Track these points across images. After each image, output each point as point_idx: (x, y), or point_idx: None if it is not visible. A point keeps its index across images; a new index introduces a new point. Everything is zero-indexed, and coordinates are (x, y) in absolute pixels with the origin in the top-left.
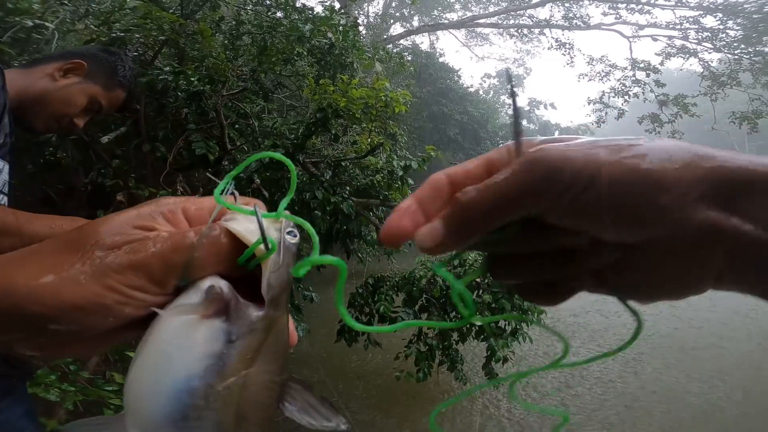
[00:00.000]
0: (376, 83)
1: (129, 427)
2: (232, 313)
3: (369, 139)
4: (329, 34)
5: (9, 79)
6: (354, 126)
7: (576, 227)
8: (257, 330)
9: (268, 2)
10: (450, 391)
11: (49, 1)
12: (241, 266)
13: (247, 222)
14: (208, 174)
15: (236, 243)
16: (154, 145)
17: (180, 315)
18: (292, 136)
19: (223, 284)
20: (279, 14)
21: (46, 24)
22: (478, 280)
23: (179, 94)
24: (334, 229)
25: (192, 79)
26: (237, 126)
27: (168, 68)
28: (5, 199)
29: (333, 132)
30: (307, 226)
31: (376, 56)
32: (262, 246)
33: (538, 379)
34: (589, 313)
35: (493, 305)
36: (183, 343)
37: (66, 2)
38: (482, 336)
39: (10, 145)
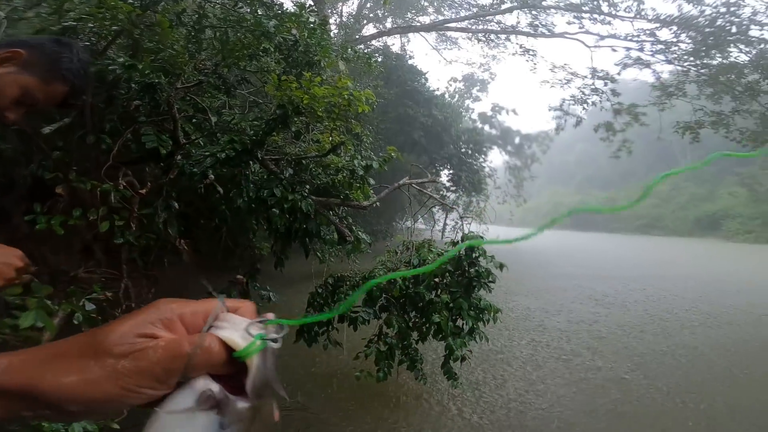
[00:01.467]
0: (339, 82)
1: None
2: (222, 407)
3: (331, 138)
4: (294, 31)
5: None
6: (317, 124)
7: None
8: (245, 417)
9: None
10: (411, 391)
11: None
12: (230, 365)
13: (232, 329)
14: (204, 283)
15: (226, 346)
16: (99, 137)
17: (180, 409)
18: (252, 132)
19: (214, 386)
20: (246, 9)
21: None
22: (436, 279)
23: (132, 85)
24: (293, 228)
25: (145, 71)
26: (194, 120)
27: (122, 60)
28: None
29: (294, 130)
30: (286, 324)
31: (344, 55)
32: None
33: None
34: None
35: (451, 305)
36: (185, 429)
37: None
38: (440, 335)
39: None
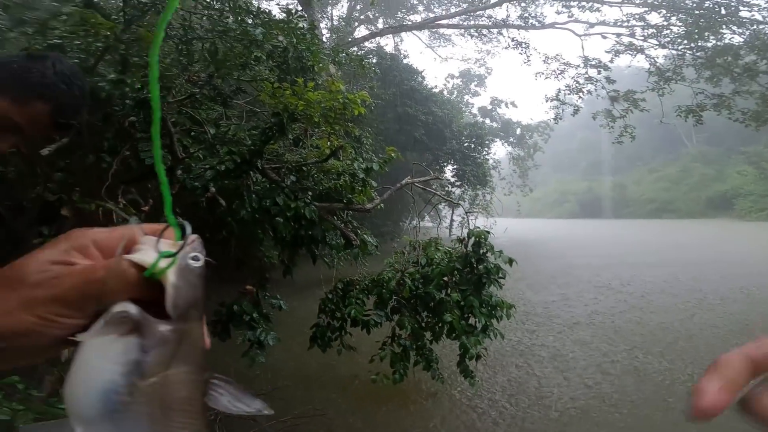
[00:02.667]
0: (332, 86)
1: (73, 423)
2: (142, 330)
3: (330, 143)
4: (280, 38)
5: None
6: (315, 130)
7: None
8: (170, 341)
9: (218, 6)
10: (428, 392)
11: None
12: (150, 289)
13: (152, 251)
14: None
15: (142, 269)
16: (99, 156)
17: (99, 336)
18: (249, 142)
19: (131, 308)
20: (231, 19)
21: None
22: (446, 278)
23: (126, 102)
24: (299, 235)
25: (135, 87)
26: (192, 133)
27: (112, 77)
28: None
29: (291, 137)
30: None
31: (336, 58)
32: (163, 266)
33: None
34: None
35: (462, 303)
36: (104, 355)
37: (0, 12)
38: (453, 334)
39: None
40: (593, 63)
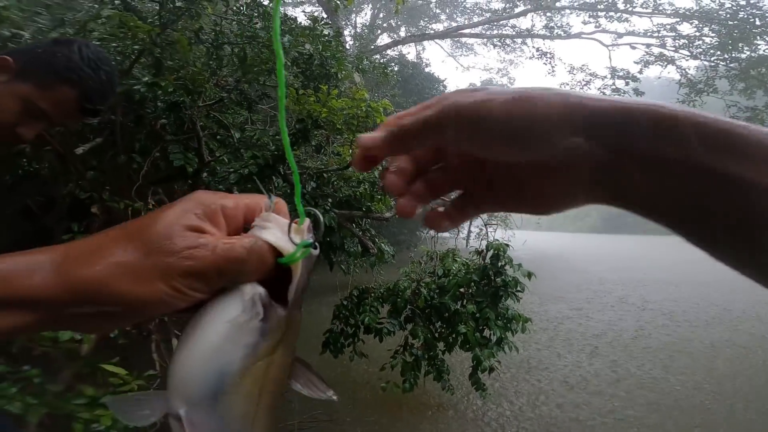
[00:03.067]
0: (356, 93)
1: (173, 400)
2: (267, 314)
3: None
4: (307, 45)
5: None
6: (337, 137)
7: (472, 149)
8: (282, 326)
9: (247, 12)
10: (436, 402)
11: (27, 11)
12: (272, 271)
13: (277, 230)
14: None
15: (274, 251)
16: (130, 157)
17: (226, 315)
18: (273, 147)
19: (262, 293)
20: (259, 25)
21: (21, 32)
22: (462, 290)
23: (158, 104)
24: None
25: (168, 89)
26: (218, 137)
27: (147, 79)
28: None
29: (314, 143)
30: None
31: (359, 66)
32: (292, 251)
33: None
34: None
35: (477, 315)
36: (228, 335)
37: (43, 11)
38: (467, 346)
39: None
40: (621, 74)
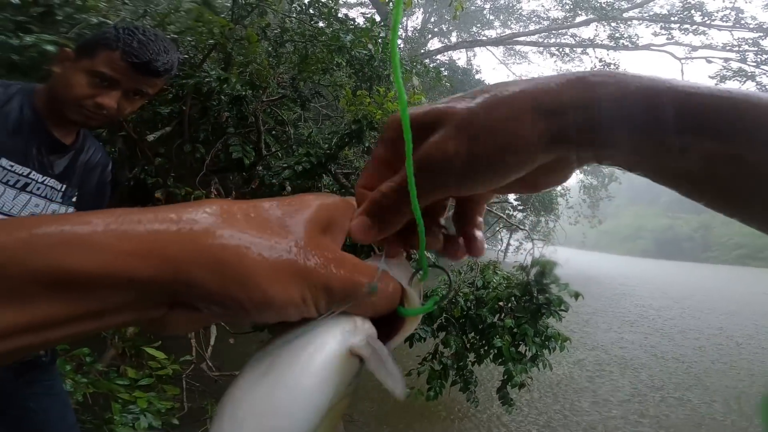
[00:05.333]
0: (413, 97)
1: None
2: (367, 357)
3: None
4: (369, 46)
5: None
6: None
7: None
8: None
9: (311, 11)
10: (459, 412)
11: (112, 2)
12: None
13: (404, 277)
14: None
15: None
16: (194, 146)
17: (340, 345)
18: (326, 145)
19: (373, 332)
20: (321, 24)
21: (108, 22)
22: (500, 303)
23: (222, 97)
24: (358, 244)
25: (236, 84)
26: (273, 132)
27: (214, 73)
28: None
29: (366, 144)
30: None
31: (414, 70)
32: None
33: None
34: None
35: (515, 330)
36: (335, 369)
37: (127, 2)
38: (500, 359)
39: (39, 160)
40: None
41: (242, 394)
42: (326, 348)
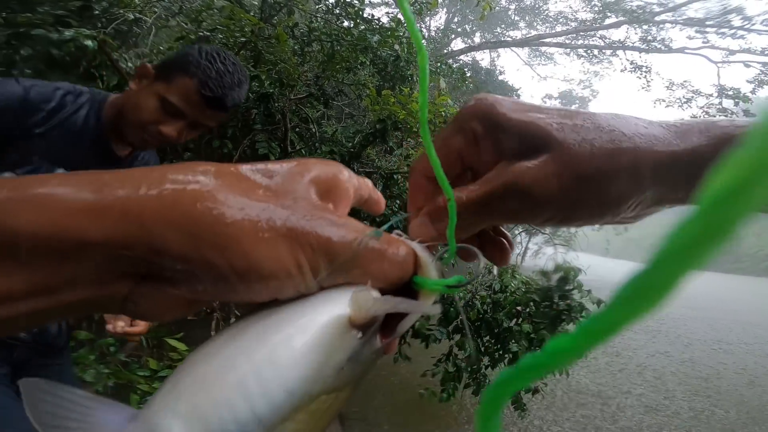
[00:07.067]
0: (438, 98)
1: (171, 418)
2: (368, 333)
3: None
4: (396, 46)
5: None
6: (409, 140)
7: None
8: (370, 360)
9: (338, 11)
10: (471, 413)
11: None
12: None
13: (424, 251)
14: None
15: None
16: (222, 142)
17: (328, 319)
18: (349, 144)
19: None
20: (347, 23)
21: (144, 18)
22: (519, 308)
23: (250, 95)
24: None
25: (265, 82)
26: (297, 130)
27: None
28: None
29: (390, 144)
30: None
31: (438, 71)
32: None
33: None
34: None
35: (533, 335)
36: (329, 334)
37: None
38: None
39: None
40: (730, 92)
41: (210, 350)
42: (319, 309)
